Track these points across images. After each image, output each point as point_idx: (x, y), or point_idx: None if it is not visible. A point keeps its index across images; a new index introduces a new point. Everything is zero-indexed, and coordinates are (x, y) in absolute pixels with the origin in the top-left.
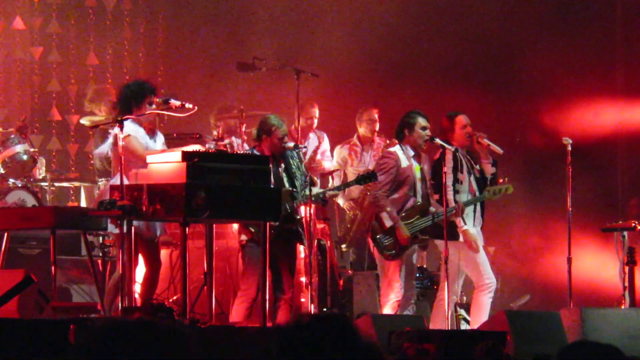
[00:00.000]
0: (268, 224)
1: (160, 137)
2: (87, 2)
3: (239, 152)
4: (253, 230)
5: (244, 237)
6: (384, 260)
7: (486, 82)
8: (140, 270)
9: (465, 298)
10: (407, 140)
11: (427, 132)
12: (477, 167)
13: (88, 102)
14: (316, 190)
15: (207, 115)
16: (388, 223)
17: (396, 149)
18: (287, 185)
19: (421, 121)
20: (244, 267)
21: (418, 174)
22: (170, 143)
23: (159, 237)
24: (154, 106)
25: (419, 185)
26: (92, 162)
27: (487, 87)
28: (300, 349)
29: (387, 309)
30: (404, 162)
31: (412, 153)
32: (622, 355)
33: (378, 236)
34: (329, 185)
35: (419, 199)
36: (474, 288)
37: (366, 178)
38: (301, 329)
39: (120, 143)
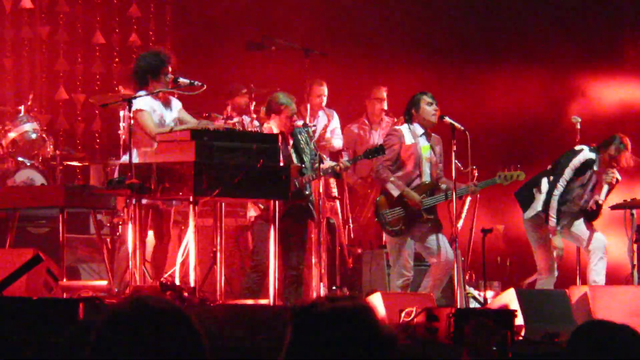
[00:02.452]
0: (277, 202)
1: (176, 104)
2: None
3: (248, 130)
4: (262, 207)
5: (253, 213)
6: (389, 238)
7: (496, 59)
8: (149, 247)
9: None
10: (415, 119)
11: (434, 107)
12: None
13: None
14: (326, 164)
15: (216, 94)
16: (395, 192)
17: (402, 127)
18: (295, 162)
19: (426, 97)
20: (254, 243)
21: (426, 154)
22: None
23: (173, 209)
24: (170, 76)
25: (425, 165)
26: (98, 140)
27: (497, 65)
28: (316, 339)
29: (395, 287)
30: (409, 140)
31: (420, 131)
32: (638, 335)
33: (382, 211)
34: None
35: (426, 179)
36: None
37: (374, 152)
38: (318, 319)
39: (131, 122)
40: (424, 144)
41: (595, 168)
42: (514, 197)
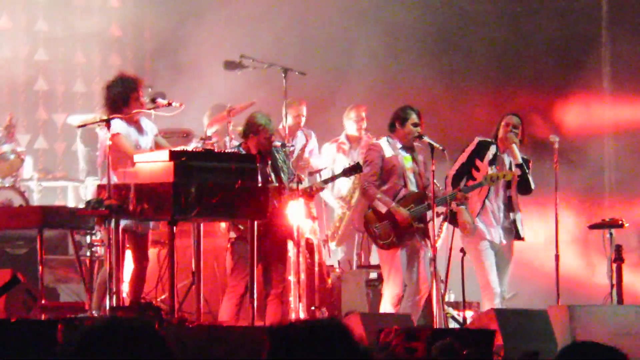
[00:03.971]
0: (256, 222)
1: (151, 127)
2: (74, 1)
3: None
4: (242, 227)
5: (232, 235)
6: (381, 251)
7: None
8: (128, 269)
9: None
10: (397, 134)
11: (418, 129)
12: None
13: None
14: (304, 184)
15: (195, 113)
16: (383, 209)
17: (381, 140)
18: (274, 180)
19: (414, 117)
20: (233, 264)
21: (408, 164)
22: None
23: (150, 231)
24: (144, 98)
25: (409, 175)
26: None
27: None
28: (293, 357)
29: (386, 304)
30: (389, 153)
31: (399, 145)
32: (625, 358)
33: (371, 226)
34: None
35: (413, 189)
36: None
37: (352, 170)
38: (295, 336)
39: (107, 142)
40: (405, 155)
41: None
42: None
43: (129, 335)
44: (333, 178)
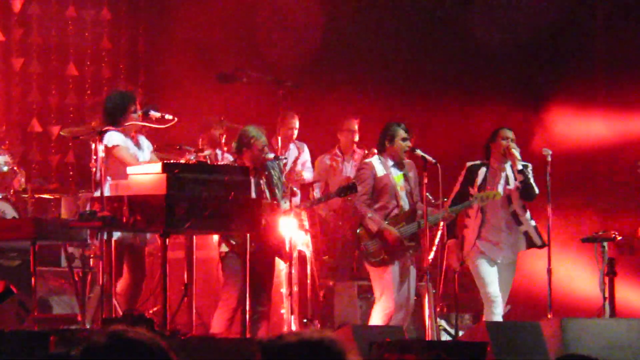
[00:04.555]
0: (249, 235)
1: (147, 144)
2: (67, 13)
3: (220, 163)
4: (234, 242)
5: (224, 248)
6: (372, 269)
7: (469, 92)
8: (121, 282)
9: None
10: (387, 152)
11: (408, 143)
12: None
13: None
14: (296, 201)
15: (188, 126)
16: (373, 227)
17: (372, 159)
18: (268, 197)
19: (401, 133)
20: (224, 278)
21: (400, 182)
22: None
23: (146, 245)
24: (139, 113)
25: (401, 193)
26: (71, 173)
27: (471, 98)
28: None
29: (377, 320)
30: (380, 172)
31: (391, 163)
32: None
33: (363, 243)
34: (310, 195)
35: (405, 207)
36: None
37: (346, 189)
38: (286, 349)
39: (101, 154)
40: (396, 174)
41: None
42: None
43: (135, 350)
44: (327, 197)
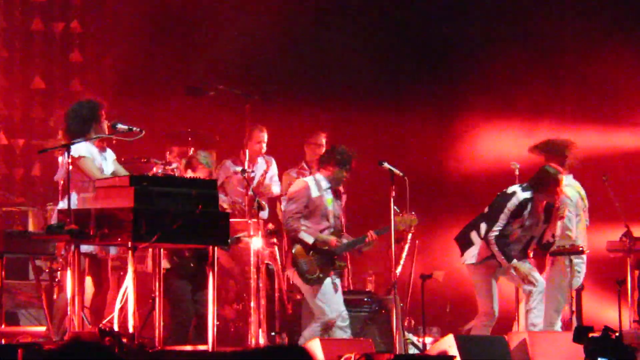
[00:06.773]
0: (216, 248)
1: (110, 154)
2: (33, 26)
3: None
4: (177, 259)
5: (165, 265)
6: (307, 287)
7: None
8: (88, 294)
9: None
10: (328, 171)
11: (347, 175)
12: None
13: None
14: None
15: (155, 139)
16: (309, 239)
17: (308, 179)
18: None
19: (347, 167)
20: (171, 295)
21: (329, 206)
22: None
23: (111, 256)
24: (106, 124)
25: (330, 217)
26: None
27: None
28: None
29: (316, 332)
30: (314, 193)
31: (326, 185)
32: None
33: (299, 260)
34: (277, 209)
35: (336, 227)
36: None
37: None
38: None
39: (69, 167)
40: (328, 197)
41: (529, 207)
42: (455, 242)
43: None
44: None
